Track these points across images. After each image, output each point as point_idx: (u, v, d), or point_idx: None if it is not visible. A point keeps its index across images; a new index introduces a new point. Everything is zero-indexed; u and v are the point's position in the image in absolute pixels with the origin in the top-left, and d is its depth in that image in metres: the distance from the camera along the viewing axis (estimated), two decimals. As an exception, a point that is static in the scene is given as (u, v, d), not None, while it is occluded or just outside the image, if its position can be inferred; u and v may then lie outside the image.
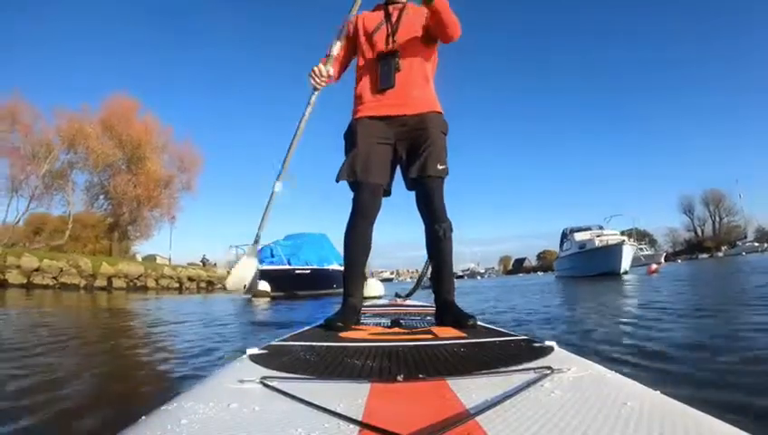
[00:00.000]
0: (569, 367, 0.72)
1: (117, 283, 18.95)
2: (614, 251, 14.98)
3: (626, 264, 14.90)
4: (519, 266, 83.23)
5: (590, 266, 15.88)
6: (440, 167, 1.65)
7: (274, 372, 0.77)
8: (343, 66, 1.92)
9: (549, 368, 0.71)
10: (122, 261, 21.45)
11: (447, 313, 1.55)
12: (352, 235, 1.64)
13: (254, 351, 0.96)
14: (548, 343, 0.94)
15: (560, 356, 0.85)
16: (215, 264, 30.83)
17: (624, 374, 0.71)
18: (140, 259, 25.41)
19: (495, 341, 1.08)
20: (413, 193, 1.73)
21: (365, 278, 1.86)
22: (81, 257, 18.87)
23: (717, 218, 57.10)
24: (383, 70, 1.69)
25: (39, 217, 23.68)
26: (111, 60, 52.31)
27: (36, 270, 16.39)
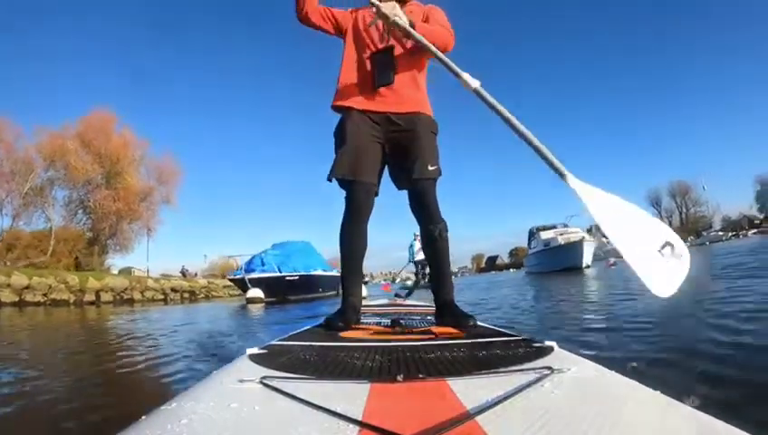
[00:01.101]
0: (569, 367, 0.72)
1: (104, 297, 18.95)
2: (575, 248, 15.96)
3: (587, 259, 15.81)
4: (492, 264, 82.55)
5: (556, 262, 16.84)
6: (432, 168, 1.64)
7: (274, 371, 0.77)
8: (322, 18, 1.72)
9: (549, 368, 0.71)
10: (108, 275, 21.46)
11: (447, 313, 1.55)
12: (349, 234, 1.64)
13: (254, 350, 0.96)
14: (548, 343, 0.94)
15: (560, 356, 0.85)
16: (195, 274, 30.94)
17: (624, 374, 0.71)
18: (116, 272, 25.15)
19: (495, 341, 1.08)
20: (393, 195, 1.73)
21: (363, 278, 1.86)
22: (68, 274, 18.85)
23: (684, 209, 58.28)
24: (380, 66, 1.65)
25: (11, 234, 23.35)
26: (94, 76, 52.82)
27: (26, 288, 16.31)
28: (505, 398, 0.58)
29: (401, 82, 1.68)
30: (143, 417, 0.58)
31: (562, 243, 17.75)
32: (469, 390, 0.64)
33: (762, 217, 52.21)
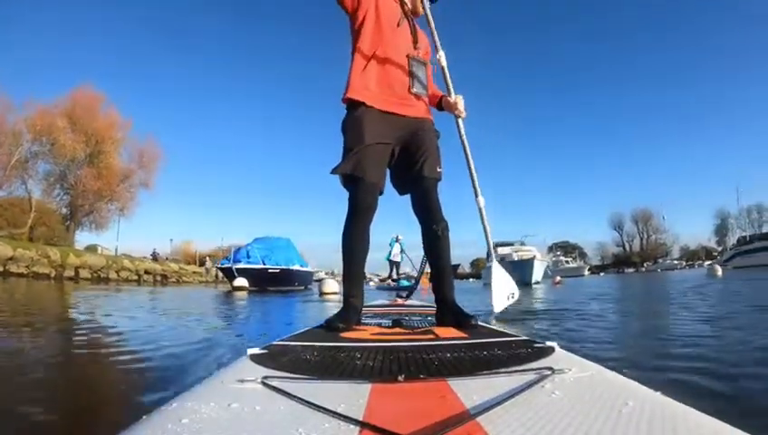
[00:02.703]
0: (569, 368, 0.72)
1: (82, 274, 19.42)
2: (526, 265, 17.19)
3: (537, 276, 17.13)
4: (453, 272, 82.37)
5: None
6: (438, 169, 1.69)
7: (275, 372, 0.77)
8: None
9: (550, 369, 0.71)
10: (86, 253, 21.88)
11: (448, 313, 1.56)
12: (354, 235, 1.63)
13: (255, 351, 0.96)
14: (549, 343, 0.94)
15: (560, 357, 0.85)
16: (166, 258, 31.20)
17: (625, 375, 0.71)
18: (82, 249, 25.12)
19: (496, 341, 1.08)
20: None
21: (364, 278, 1.86)
22: (49, 248, 19.16)
23: (645, 235, 61.06)
24: (417, 76, 1.70)
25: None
26: (83, 50, 52.48)
27: (10, 259, 16.50)
28: (506, 398, 0.58)
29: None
30: (144, 416, 0.58)
31: (516, 259, 18.70)
32: (470, 390, 0.64)
33: (720, 249, 53.50)
